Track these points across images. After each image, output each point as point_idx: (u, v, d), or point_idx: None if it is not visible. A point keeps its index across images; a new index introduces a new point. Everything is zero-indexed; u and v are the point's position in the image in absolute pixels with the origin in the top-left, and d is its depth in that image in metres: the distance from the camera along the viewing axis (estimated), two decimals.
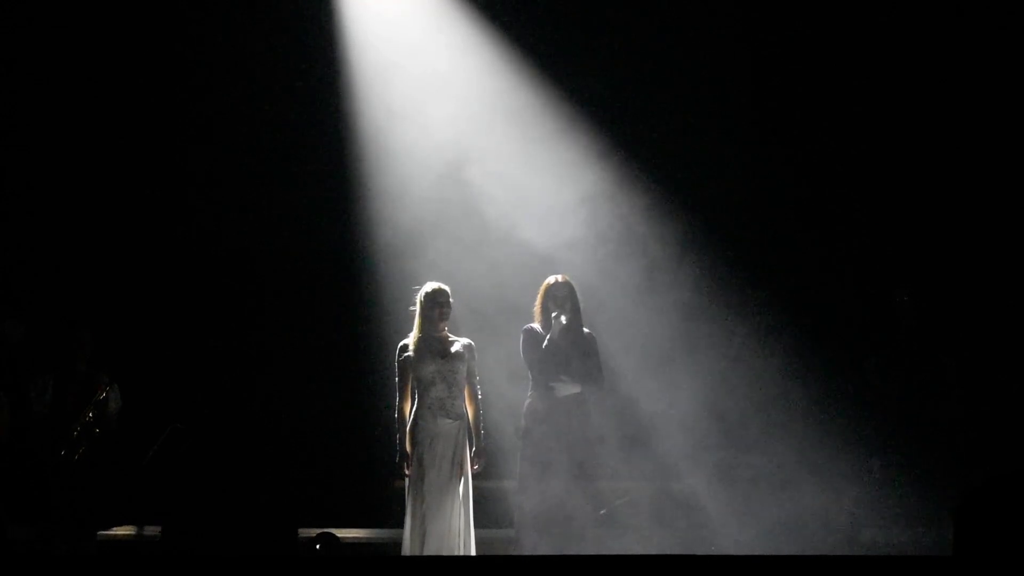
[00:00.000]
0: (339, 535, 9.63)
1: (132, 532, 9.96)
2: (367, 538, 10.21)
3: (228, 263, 11.25)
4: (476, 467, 8.82)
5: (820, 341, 11.08)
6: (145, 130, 11.16)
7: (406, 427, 8.75)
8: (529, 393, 9.12)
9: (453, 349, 8.82)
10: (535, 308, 9.18)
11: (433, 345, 8.81)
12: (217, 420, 10.77)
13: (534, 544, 8.81)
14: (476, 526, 8.83)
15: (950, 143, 11.24)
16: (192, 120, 11.16)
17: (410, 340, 8.85)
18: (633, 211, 11.06)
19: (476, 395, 8.86)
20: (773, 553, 8.92)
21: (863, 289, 11.21)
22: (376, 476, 10.50)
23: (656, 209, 11.15)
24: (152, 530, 9.87)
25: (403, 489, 8.90)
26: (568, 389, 9.02)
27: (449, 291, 8.91)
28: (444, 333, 8.87)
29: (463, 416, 8.78)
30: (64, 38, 11.00)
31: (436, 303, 8.83)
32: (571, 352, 9.04)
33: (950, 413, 10.37)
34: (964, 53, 11.13)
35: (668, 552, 9.23)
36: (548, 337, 9.00)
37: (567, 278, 9.17)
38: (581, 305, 9.17)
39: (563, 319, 8.95)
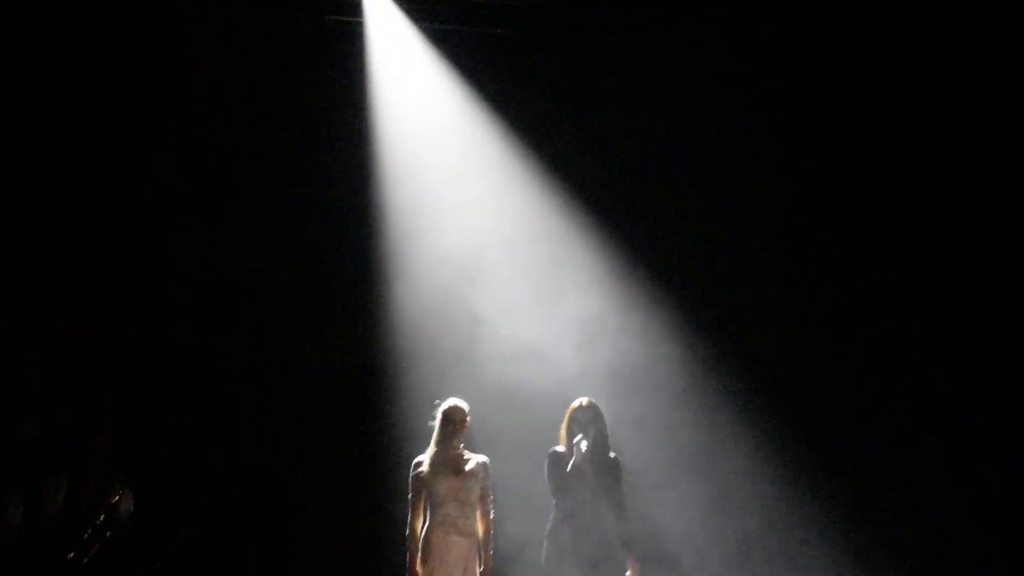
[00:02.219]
0: None
1: None
2: None
3: (245, 372, 11.24)
4: None
5: (843, 480, 11.01)
6: (174, 239, 11.23)
7: (417, 544, 8.70)
8: (551, 516, 9.08)
9: (467, 467, 8.82)
10: (560, 431, 9.18)
11: (447, 462, 8.81)
12: (227, 529, 10.72)
13: None
14: None
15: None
16: (221, 226, 11.26)
17: (425, 456, 8.87)
18: (651, 333, 11.11)
19: (488, 513, 8.82)
20: None
21: (890, 427, 11.12)
22: None
23: (677, 331, 11.19)
24: None
25: None
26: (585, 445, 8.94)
27: (466, 409, 8.94)
28: (459, 450, 8.86)
29: (474, 534, 8.74)
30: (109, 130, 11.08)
31: (451, 420, 8.85)
32: (596, 478, 9.00)
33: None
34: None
35: None
36: (572, 462, 8.96)
37: (592, 401, 9.21)
38: (608, 429, 9.18)
39: (584, 445, 8.92)
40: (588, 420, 9.08)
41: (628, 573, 8.96)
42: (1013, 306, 11.13)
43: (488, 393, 10.14)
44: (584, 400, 9.19)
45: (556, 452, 9.14)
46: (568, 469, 8.99)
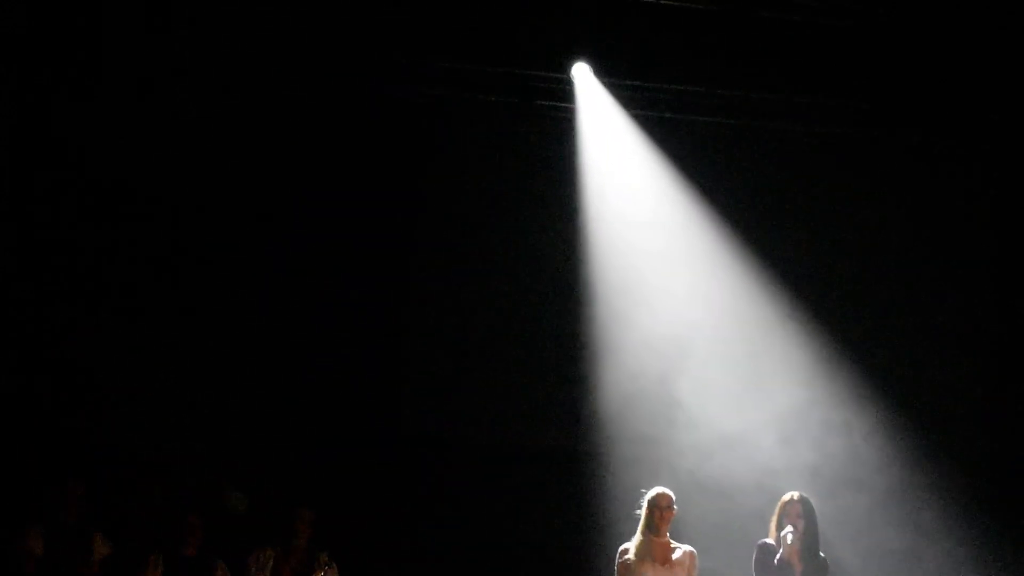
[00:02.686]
0: None
1: None
2: None
3: (449, 455, 11.23)
4: None
5: None
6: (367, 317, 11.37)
7: None
8: None
9: (674, 556, 8.68)
10: (771, 524, 9.02)
11: (654, 550, 8.69)
12: None
13: None
14: None
15: None
16: (425, 303, 11.40)
17: (632, 544, 8.75)
18: (855, 429, 10.93)
19: None
20: None
21: None
22: None
23: (881, 427, 11.00)
24: None
25: None
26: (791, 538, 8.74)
27: (673, 496, 8.81)
28: (666, 539, 8.74)
29: None
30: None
31: (658, 507, 8.73)
32: (804, 571, 8.79)
33: None
34: None
35: None
36: (779, 555, 8.79)
37: (804, 496, 9.02)
38: (819, 527, 8.96)
39: (790, 537, 8.73)
40: (798, 515, 8.89)
41: None
42: None
43: (685, 484, 9.97)
44: (796, 494, 9.02)
45: (765, 543, 8.97)
46: (775, 561, 8.78)
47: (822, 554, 8.96)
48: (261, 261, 11.04)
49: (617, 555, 8.75)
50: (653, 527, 8.71)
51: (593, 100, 11.26)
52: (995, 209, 11.64)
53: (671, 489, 8.90)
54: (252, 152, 10.99)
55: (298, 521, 9.51)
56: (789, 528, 8.79)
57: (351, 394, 11.15)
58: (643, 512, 8.78)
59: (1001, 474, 11.19)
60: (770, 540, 8.95)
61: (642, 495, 8.86)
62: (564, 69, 11.18)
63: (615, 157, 11.33)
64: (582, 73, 11.17)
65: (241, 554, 9.51)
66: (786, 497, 9.00)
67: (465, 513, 11.08)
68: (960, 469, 11.09)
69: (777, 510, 8.98)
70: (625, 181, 11.31)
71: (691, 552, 8.76)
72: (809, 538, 8.87)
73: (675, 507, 8.79)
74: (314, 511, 9.56)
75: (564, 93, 11.27)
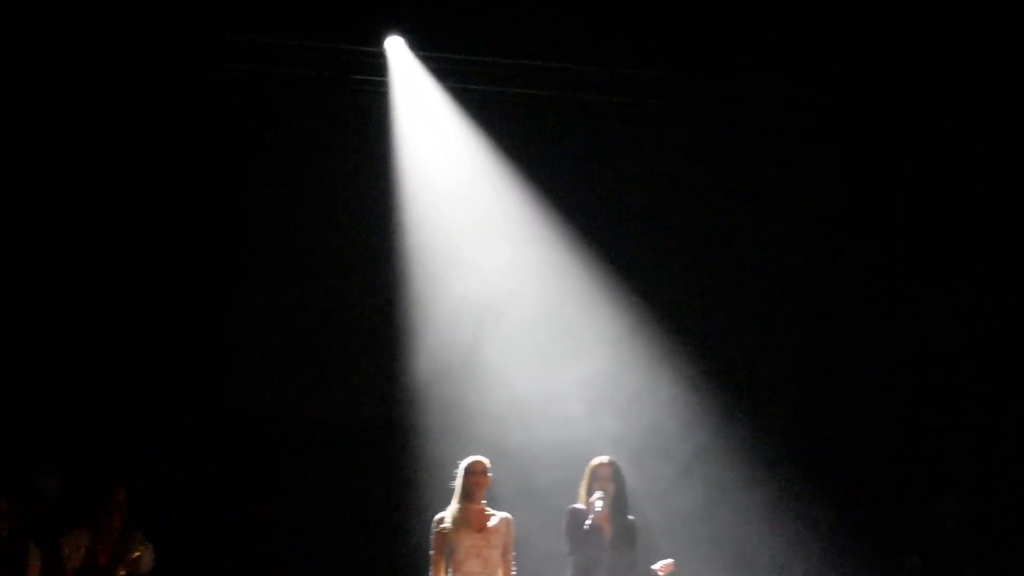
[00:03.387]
0: None
1: None
2: None
3: (266, 430, 11.28)
4: None
5: (865, 536, 10.93)
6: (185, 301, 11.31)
7: None
8: (568, 574, 8.95)
9: (490, 523, 8.73)
10: (580, 488, 9.09)
11: (470, 518, 8.72)
12: None
13: None
14: None
15: None
16: (244, 284, 11.36)
17: (447, 512, 8.77)
18: (670, 386, 11.14)
19: (511, 571, 8.73)
20: None
21: (907, 491, 11.05)
22: None
23: (694, 388, 11.20)
24: None
25: None
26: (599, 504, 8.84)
27: (487, 463, 8.86)
28: (482, 506, 8.79)
29: None
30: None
31: (473, 474, 8.79)
32: (614, 535, 8.91)
33: None
34: None
35: None
36: (589, 519, 8.86)
37: (613, 459, 9.11)
38: (627, 490, 9.08)
39: (599, 504, 8.83)
40: (608, 478, 8.98)
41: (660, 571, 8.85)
42: None
43: (498, 451, 9.94)
44: (604, 458, 9.10)
45: (575, 508, 9.03)
46: (585, 527, 8.86)
47: (631, 516, 9.08)
48: (77, 236, 10.93)
49: (433, 524, 8.76)
50: (468, 494, 8.74)
51: (407, 73, 11.30)
52: (800, 175, 11.82)
53: (485, 456, 8.94)
54: (72, 130, 10.86)
55: (112, 502, 9.39)
56: (599, 493, 8.85)
57: (167, 371, 11.10)
58: (458, 480, 8.81)
59: (803, 439, 11.45)
60: (580, 505, 9.00)
61: (457, 464, 8.90)
62: (378, 43, 11.19)
63: (430, 129, 11.38)
64: (396, 47, 11.20)
65: (55, 536, 9.37)
66: (595, 461, 9.06)
67: (283, 486, 11.10)
68: (763, 432, 11.31)
69: (586, 475, 9.05)
70: (440, 153, 11.37)
71: (507, 519, 8.79)
72: (618, 501, 8.96)
73: (490, 474, 8.83)
74: (128, 490, 9.45)
75: (378, 67, 11.29)
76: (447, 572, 8.66)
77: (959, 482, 10.84)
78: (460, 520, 8.71)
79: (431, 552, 8.76)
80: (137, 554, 9.33)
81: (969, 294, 11.29)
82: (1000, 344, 11.21)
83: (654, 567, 8.87)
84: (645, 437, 11.00)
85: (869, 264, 11.58)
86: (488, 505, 8.85)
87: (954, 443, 11.13)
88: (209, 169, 11.31)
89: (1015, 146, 11.23)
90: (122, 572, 9.28)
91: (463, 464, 8.87)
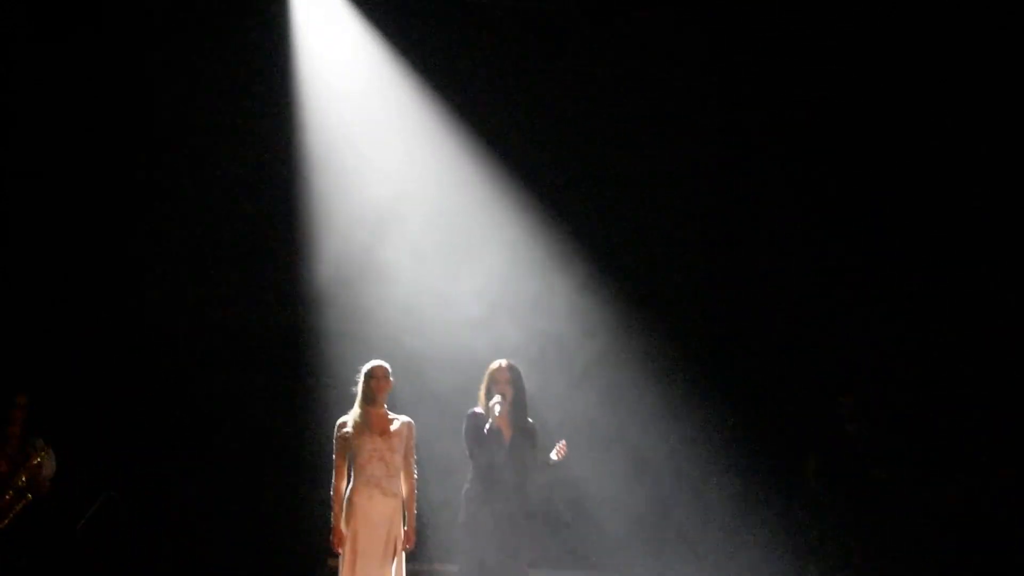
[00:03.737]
0: None
1: None
2: None
3: (168, 333, 11.26)
4: (408, 546, 8.76)
5: (762, 439, 11.12)
6: (98, 204, 11.21)
7: (341, 504, 8.69)
8: (468, 477, 9.05)
9: (392, 427, 8.80)
10: (480, 392, 9.14)
11: (372, 422, 8.79)
12: (150, 491, 10.69)
13: None
14: None
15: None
16: (140, 187, 11.29)
17: (349, 417, 8.83)
18: (568, 292, 11.21)
19: (412, 474, 8.81)
20: None
21: (808, 391, 11.22)
22: (310, 554, 10.41)
23: (597, 289, 11.28)
24: None
25: (336, 569, 8.84)
26: (498, 409, 8.93)
27: (388, 368, 8.91)
28: (384, 410, 8.85)
29: (399, 494, 8.73)
30: None
31: (374, 378, 8.83)
32: (513, 438, 9.00)
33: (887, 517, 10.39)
34: None
35: None
36: (488, 423, 8.95)
37: (512, 363, 9.13)
38: (526, 392, 9.14)
39: (497, 408, 8.91)
40: (507, 381, 9.01)
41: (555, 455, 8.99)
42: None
43: (398, 355, 9.96)
44: (503, 362, 9.10)
45: (474, 413, 9.07)
46: (485, 430, 8.94)
47: (530, 420, 9.17)
48: None
49: (336, 428, 8.82)
50: (370, 398, 8.80)
51: None
52: (718, 78, 11.80)
53: (385, 361, 9.00)
54: None
55: (12, 407, 9.36)
56: (497, 397, 8.91)
57: (71, 280, 11.06)
58: (360, 385, 8.85)
59: (703, 343, 11.57)
60: (479, 409, 9.05)
61: (358, 369, 8.96)
62: None
63: (329, 30, 11.29)
64: None
65: None
66: (494, 365, 9.08)
67: (187, 394, 11.08)
68: (663, 338, 11.44)
69: (485, 378, 9.07)
70: (339, 55, 11.29)
71: (409, 423, 8.86)
72: (517, 405, 9.01)
73: (391, 378, 8.89)
74: (27, 396, 9.42)
75: None
76: (349, 476, 8.75)
77: (857, 384, 11.01)
78: (362, 424, 8.77)
79: (334, 456, 8.83)
80: (37, 460, 9.32)
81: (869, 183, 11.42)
82: (898, 240, 11.34)
83: (551, 456, 9.00)
84: (543, 343, 11.08)
85: (771, 167, 11.64)
86: (389, 410, 8.92)
87: (853, 347, 11.28)
88: (109, 75, 11.15)
89: None
90: (23, 477, 9.28)
91: (364, 368, 8.91)
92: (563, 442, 9.01)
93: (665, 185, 11.66)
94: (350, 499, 8.67)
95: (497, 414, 8.89)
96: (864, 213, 11.38)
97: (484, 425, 8.94)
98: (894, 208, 11.29)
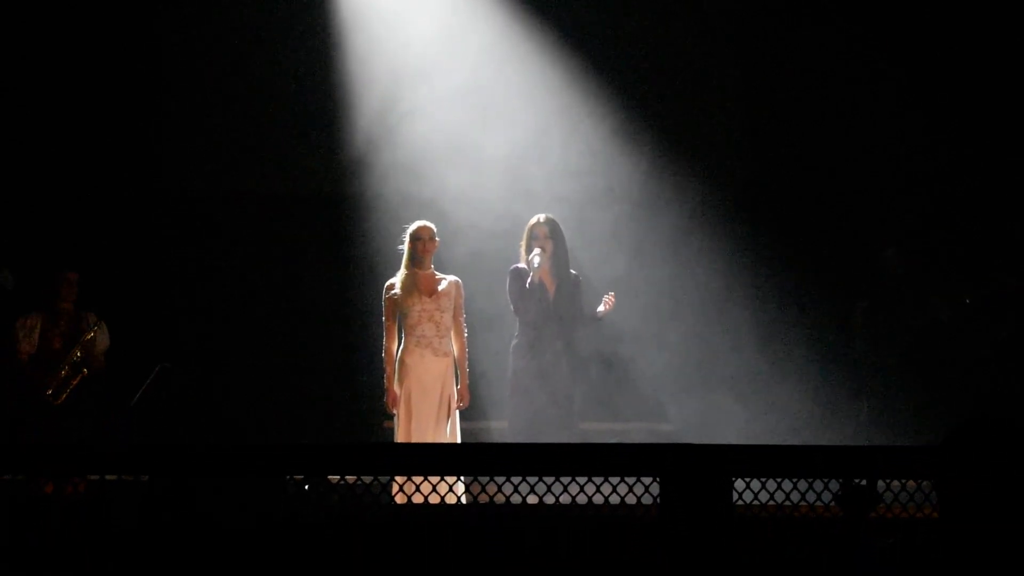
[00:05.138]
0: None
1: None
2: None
3: (215, 205, 11.32)
4: (462, 404, 8.82)
5: (810, 286, 11.11)
6: (122, 75, 11.19)
7: (393, 366, 8.74)
8: (516, 332, 9.10)
9: (440, 287, 8.80)
10: (520, 247, 9.16)
11: (419, 282, 8.79)
12: (204, 362, 10.81)
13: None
14: None
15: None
16: (172, 58, 11.27)
17: (396, 279, 8.84)
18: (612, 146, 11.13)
19: (463, 333, 8.84)
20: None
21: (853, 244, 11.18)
22: (364, 418, 10.52)
23: (641, 145, 11.20)
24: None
25: (391, 430, 8.93)
26: (537, 261, 8.95)
27: (434, 228, 8.89)
28: (431, 271, 8.86)
29: (450, 354, 8.77)
30: None
31: (420, 239, 8.82)
32: (557, 290, 9.05)
33: (938, 355, 10.40)
34: None
35: None
36: (530, 277, 8.98)
37: (550, 217, 9.14)
38: (567, 245, 9.17)
39: (536, 260, 8.91)
40: (546, 236, 9.04)
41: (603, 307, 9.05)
42: None
43: (440, 216, 9.92)
44: (542, 216, 9.12)
45: (517, 268, 9.11)
46: (528, 284, 8.96)
47: (573, 271, 9.22)
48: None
49: (384, 290, 8.85)
50: (417, 259, 8.79)
51: None
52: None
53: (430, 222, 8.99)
54: None
55: (63, 284, 9.42)
56: (537, 251, 8.95)
57: (115, 153, 11.07)
58: (406, 246, 8.85)
59: (752, 191, 11.53)
60: (521, 264, 9.10)
61: (404, 230, 8.96)
62: None
63: None
64: None
65: (6, 322, 9.43)
66: (532, 220, 9.11)
67: (233, 263, 11.17)
68: (710, 181, 11.39)
69: (525, 234, 9.11)
70: None
71: (456, 282, 8.86)
72: (559, 258, 9.07)
73: (437, 239, 8.89)
74: (78, 272, 9.48)
75: None
76: (400, 337, 8.79)
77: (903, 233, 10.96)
78: (410, 285, 8.78)
79: (383, 318, 8.87)
80: (91, 335, 9.41)
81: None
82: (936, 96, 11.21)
83: (599, 309, 9.05)
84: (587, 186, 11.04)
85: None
86: (436, 269, 8.94)
87: (898, 197, 11.21)
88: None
89: None
90: (78, 353, 9.38)
91: (409, 229, 8.89)
92: (611, 294, 9.05)
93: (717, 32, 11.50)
94: (402, 360, 8.71)
95: (536, 267, 8.92)
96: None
97: (527, 280, 8.98)
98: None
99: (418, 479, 4.83)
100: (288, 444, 5.67)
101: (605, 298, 9.03)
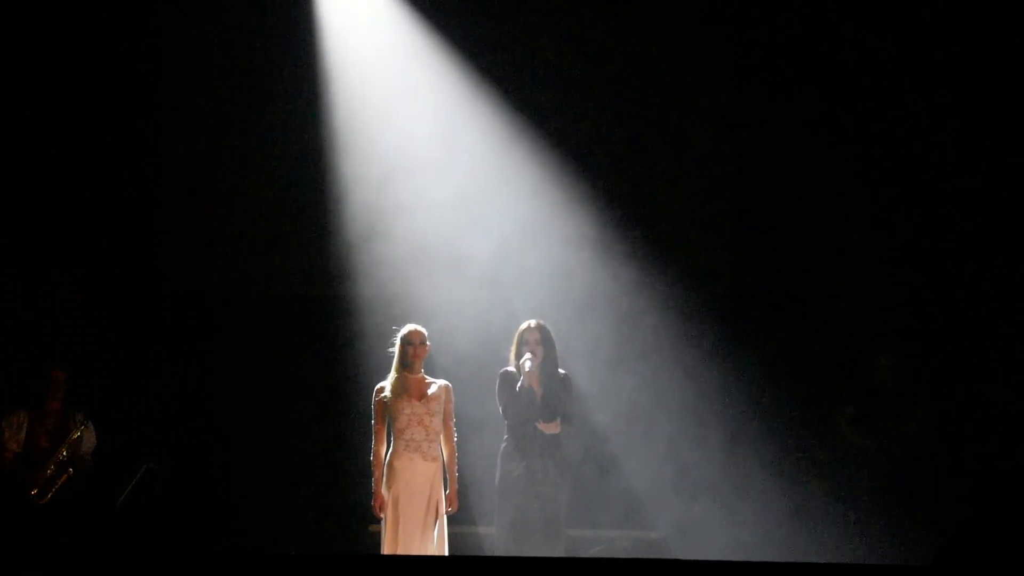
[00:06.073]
0: None
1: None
2: None
3: (202, 305, 11.30)
4: (451, 509, 8.79)
5: (798, 390, 11.08)
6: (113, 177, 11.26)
7: (381, 469, 8.73)
8: (504, 437, 9.11)
9: (430, 391, 8.81)
10: (510, 352, 9.21)
11: (410, 386, 8.81)
12: (190, 463, 10.75)
13: None
14: None
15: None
16: (168, 154, 11.34)
17: (387, 382, 8.85)
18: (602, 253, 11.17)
19: (452, 437, 8.83)
20: None
21: (847, 351, 11.15)
22: (351, 521, 10.45)
23: (631, 252, 11.24)
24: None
25: (378, 534, 8.88)
26: (549, 429, 9.01)
27: (425, 333, 8.93)
28: (421, 375, 8.88)
29: (439, 458, 8.75)
30: None
31: (411, 343, 8.85)
32: (545, 395, 9.05)
33: (924, 468, 10.39)
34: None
35: None
36: (520, 382, 9.01)
37: (541, 323, 9.20)
38: (556, 348, 9.18)
39: (528, 365, 8.96)
40: (537, 342, 9.09)
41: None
42: None
43: (433, 320, 9.93)
44: (533, 322, 9.18)
45: (506, 372, 9.15)
46: (517, 388, 9.00)
47: (562, 371, 9.23)
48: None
49: (374, 393, 8.85)
50: (407, 363, 8.81)
51: None
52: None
53: (421, 326, 8.99)
54: None
55: (50, 383, 9.41)
56: (528, 356, 8.99)
57: (103, 253, 11.08)
58: (396, 349, 8.87)
59: (736, 295, 11.52)
60: (511, 368, 9.13)
61: (395, 333, 8.97)
62: None
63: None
64: None
65: None
66: (523, 326, 9.17)
67: (224, 365, 11.11)
68: (693, 286, 11.40)
69: (516, 339, 9.16)
70: (363, 21, 11.23)
71: (446, 386, 8.88)
72: (548, 364, 9.10)
73: (428, 343, 8.92)
74: (66, 372, 9.46)
75: None
76: (389, 440, 8.76)
77: (896, 340, 10.95)
78: (400, 388, 8.79)
79: (372, 421, 8.86)
80: (77, 434, 9.39)
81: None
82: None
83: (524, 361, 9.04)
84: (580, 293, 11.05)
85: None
86: (426, 373, 8.94)
87: (891, 303, 11.19)
88: (128, 48, 11.18)
89: None
90: (64, 452, 9.34)
91: (401, 333, 8.92)
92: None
93: (688, 131, 11.53)
94: (390, 464, 8.69)
95: (527, 370, 8.95)
96: (908, 168, 11.25)
97: (516, 384, 9.01)
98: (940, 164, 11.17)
99: None
100: (275, 554, 5.62)
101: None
